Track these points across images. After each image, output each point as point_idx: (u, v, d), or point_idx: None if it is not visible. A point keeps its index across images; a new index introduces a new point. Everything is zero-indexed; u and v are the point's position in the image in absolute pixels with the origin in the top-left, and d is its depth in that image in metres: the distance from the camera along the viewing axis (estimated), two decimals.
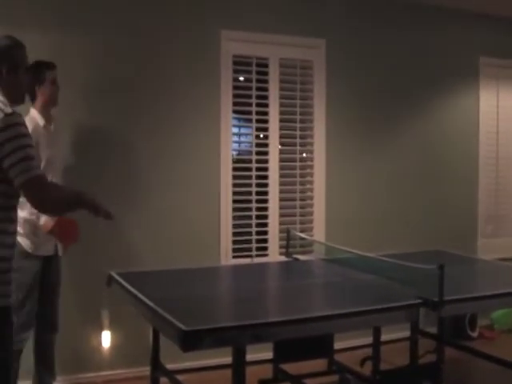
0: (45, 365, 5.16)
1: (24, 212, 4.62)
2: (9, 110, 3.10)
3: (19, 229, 4.57)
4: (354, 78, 6.84)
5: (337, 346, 4.61)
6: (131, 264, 5.10)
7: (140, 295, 3.72)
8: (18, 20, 5.39)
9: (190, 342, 2.90)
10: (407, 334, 4.28)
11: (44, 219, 4.77)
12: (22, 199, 3.49)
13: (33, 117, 4.90)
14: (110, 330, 5.77)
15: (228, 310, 3.75)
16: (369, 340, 5.22)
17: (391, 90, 7.06)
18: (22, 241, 4.75)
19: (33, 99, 4.97)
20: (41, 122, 4.91)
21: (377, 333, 5.02)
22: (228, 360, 3.40)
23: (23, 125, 3.14)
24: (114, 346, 5.80)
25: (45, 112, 5.00)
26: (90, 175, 5.70)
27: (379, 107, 6.97)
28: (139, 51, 5.91)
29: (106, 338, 5.76)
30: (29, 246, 4.83)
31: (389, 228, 6.90)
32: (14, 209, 3.27)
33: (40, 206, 3.26)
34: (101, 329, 5.76)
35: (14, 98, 3.29)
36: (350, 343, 5.50)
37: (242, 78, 6.43)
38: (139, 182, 5.93)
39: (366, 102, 6.90)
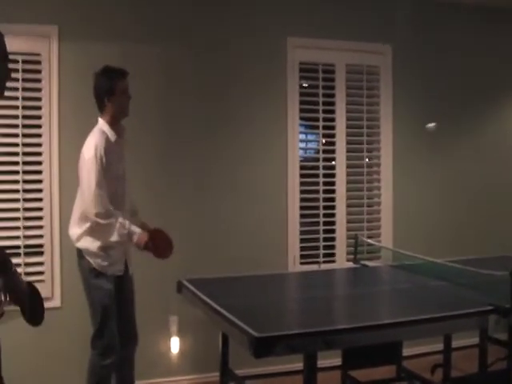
0: (125, 380, 4.97)
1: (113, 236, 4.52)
2: None
3: (91, 249, 4.62)
4: (420, 84, 6.79)
5: (405, 352, 4.59)
6: (200, 271, 5.14)
7: (210, 301, 3.75)
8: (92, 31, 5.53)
9: (262, 348, 2.93)
10: (476, 340, 4.24)
11: (137, 236, 4.54)
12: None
13: (103, 131, 4.65)
14: (178, 336, 5.85)
15: (298, 317, 3.76)
16: (436, 347, 5.17)
17: (458, 97, 6.97)
18: (93, 261, 4.64)
19: (101, 109, 4.69)
20: (112, 137, 4.64)
21: (448, 340, 4.96)
22: (296, 366, 3.42)
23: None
24: (182, 352, 5.87)
25: (115, 124, 4.71)
26: (163, 183, 5.82)
27: (445, 114, 6.88)
28: (205, 59, 5.97)
29: (175, 344, 5.83)
30: (100, 266, 4.64)
31: (457, 233, 6.82)
32: None
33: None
34: (170, 335, 5.83)
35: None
36: (418, 350, 5.47)
37: (305, 85, 6.45)
38: (209, 190, 5.99)
39: (432, 107, 6.82)
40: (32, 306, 2.94)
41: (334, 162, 6.49)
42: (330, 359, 4.47)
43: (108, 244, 4.58)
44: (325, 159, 6.45)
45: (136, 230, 4.54)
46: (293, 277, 5.43)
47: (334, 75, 6.48)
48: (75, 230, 4.71)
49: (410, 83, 6.74)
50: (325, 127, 6.42)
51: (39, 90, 5.51)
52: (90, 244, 4.63)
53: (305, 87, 6.43)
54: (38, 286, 5.21)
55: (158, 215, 5.78)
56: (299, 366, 3.36)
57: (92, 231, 4.61)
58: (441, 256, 4.87)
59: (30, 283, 3.01)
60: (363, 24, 6.52)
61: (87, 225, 4.61)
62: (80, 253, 4.70)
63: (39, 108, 5.51)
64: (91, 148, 4.52)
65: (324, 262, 6.35)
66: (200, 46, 5.96)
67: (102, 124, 4.68)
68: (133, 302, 4.97)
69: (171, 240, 4.72)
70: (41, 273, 5.50)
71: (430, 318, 3.49)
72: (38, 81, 5.51)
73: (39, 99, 5.51)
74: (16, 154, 5.42)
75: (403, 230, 6.63)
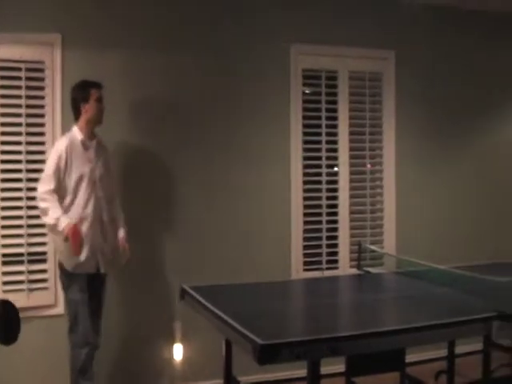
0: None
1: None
2: None
3: (61, 249, 4.91)
4: (423, 91, 6.80)
5: (409, 358, 4.57)
6: (204, 278, 5.14)
7: (214, 308, 3.76)
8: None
9: (267, 355, 2.92)
10: (480, 346, 4.24)
11: (63, 225, 4.74)
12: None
13: (73, 134, 5.03)
14: (182, 342, 5.84)
15: (302, 324, 3.76)
16: (440, 353, 5.17)
17: (461, 105, 6.98)
18: (64, 261, 4.95)
19: (77, 117, 5.08)
20: (79, 136, 5.00)
21: (451, 346, 4.96)
22: (300, 373, 3.42)
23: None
24: (186, 359, 5.86)
25: (87, 129, 5.06)
26: (165, 189, 5.85)
27: (448, 121, 6.90)
28: (208, 69, 6.00)
29: (179, 351, 5.83)
30: (69, 266, 4.93)
31: (460, 240, 6.82)
32: None
33: None
34: (173, 341, 5.83)
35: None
36: (422, 356, 5.46)
37: (307, 91, 6.45)
38: (213, 197, 6.01)
39: (435, 114, 6.84)
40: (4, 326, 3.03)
41: (336, 169, 6.49)
42: (333, 366, 4.46)
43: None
44: (328, 166, 6.45)
45: (65, 220, 4.74)
46: (296, 284, 5.42)
47: (337, 82, 6.49)
48: None
49: (412, 90, 6.74)
50: (328, 134, 6.43)
51: (42, 97, 5.52)
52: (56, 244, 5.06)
53: (307, 93, 6.44)
54: (41, 293, 5.32)
55: (161, 222, 5.81)
56: (303, 372, 3.36)
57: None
58: (444, 262, 4.86)
59: (4, 302, 3.08)
60: (366, 30, 6.53)
61: None
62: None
63: (42, 116, 5.52)
64: (56, 144, 5.10)
65: (327, 268, 6.36)
66: (203, 53, 5.97)
67: (73, 130, 5.08)
68: (100, 300, 5.17)
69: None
70: (44, 280, 5.50)
71: (434, 325, 3.49)
72: (42, 89, 5.52)
73: (42, 107, 5.52)
74: (19, 161, 5.44)
75: (406, 236, 6.63)
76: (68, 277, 4.97)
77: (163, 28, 5.85)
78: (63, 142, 4.97)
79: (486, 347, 4.40)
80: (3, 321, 3.02)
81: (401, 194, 6.68)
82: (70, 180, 4.88)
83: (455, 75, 6.94)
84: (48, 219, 4.79)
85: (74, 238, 4.71)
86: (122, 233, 5.24)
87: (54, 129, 5.52)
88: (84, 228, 4.89)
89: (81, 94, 5.05)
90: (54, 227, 4.79)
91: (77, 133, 5.03)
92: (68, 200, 4.89)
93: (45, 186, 4.80)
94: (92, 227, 4.98)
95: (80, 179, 4.91)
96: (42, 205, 4.81)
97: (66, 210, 4.85)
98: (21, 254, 5.43)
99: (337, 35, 6.42)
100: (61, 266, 5.02)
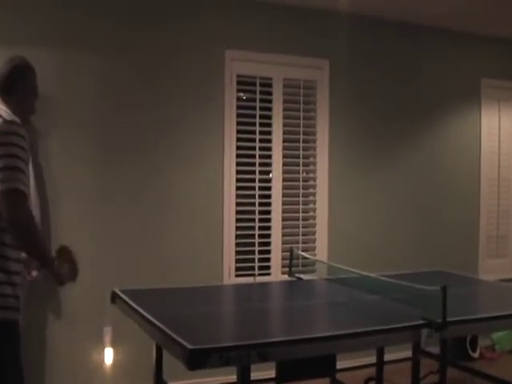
0: None
1: None
2: (10, 117, 3.11)
3: None
4: (356, 99, 6.89)
5: (339, 365, 4.60)
6: (134, 282, 5.11)
7: (144, 313, 3.72)
8: (23, 37, 5.46)
9: (196, 360, 2.90)
10: (408, 354, 4.29)
11: None
12: None
13: None
14: (112, 346, 5.80)
15: (232, 329, 3.75)
16: (370, 359, 5.23)
17: (394, 112, 7.11)
18: None
19: None
20: None
21: (380, 353, 5.01)
22: (231, 378, 3.40)
23: (21, 136, 3.11)
24: (116, 363, 5.82)
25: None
26: (97, 195, 5.80)
27: (381, 128, 7.02)
28: (142, 70, 5.97)
29: (109, 355, 5.78)
30: None
31: (391, 248, 6.92)
32: None
33: (10, 222, 3.11)
34: (103, 346, 5.78)
35: (20, 118, 3.28)
36: (352, 363, 5.51)
37: (242, 94, 6.46)
38: (144, 201, 5.97)
39: (368, 122, 6.94)
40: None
41: (270, 175, 6.51)
42: (263, 371, 4.47)
43: None
44: (261, 172, 6.47)
45: None
46: (228, 289, 5.41)
47: (272, 89, 6.52)
48: None
49: (346, 98, 6.83)
50: (261, 140, 6.45)
51: None
52: None
53: (243, 99, 6.45)
54: None
55: (93, 226, 5.75)
56: (233, 378, 3.35)
57: None
58: (376, 270, 4.89)
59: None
60: (301, 38, 6.60)
61: None
62: None
63: None
64: None
65: (259, 274, 6.38)
66: (137, 58, 5.93)
67: None
68: None
69: None
70: None
71: (364, 332, 3.50)
72: None
73: None
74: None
75: (338, 243, 6.70)
76: None
77: (96, 31, 5.79)
78: None
79: (415, 354, 4.44)
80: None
81: (334, 201, 6.74)
82: None
83: (387, 83, 7.07)
84: None
85: None
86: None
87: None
88: None
89: None
90: None
91: None
92: None
93: None
94: None
95: None
96: None
97: None
98: None
99: (272, 42, 6.46)
100: None
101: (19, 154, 3.06)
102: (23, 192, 3.05)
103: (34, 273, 4.90)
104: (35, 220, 3.27)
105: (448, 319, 3.60)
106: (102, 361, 5.79)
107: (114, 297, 4.36)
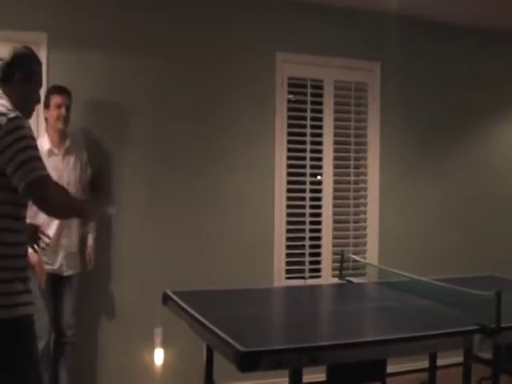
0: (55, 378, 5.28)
1: None
2: (12, 114, 3.06)
3: None
4: (407, 102, 6.84)
5: (390, 369, 4.57)
6: (185, 283, 5.11)
7: (196, 314, 3.73)
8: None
9: (248, 362, 2.91)
10: (460, 359, 4.24)
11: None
12: None
13: (40, 141, 4.97)
14: (162, 347, 5.83)
15: (283, 332, 3.74)
16: (421, 364, 5.17)
17: (447, 115, 7.03)
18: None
19: (46, 122, 5.23)
20: (45, 146, 5.07)
21: (433, 358, 4.96)
22: (281, 381, 3.40)
23: (26, 127, 3.09)
24: (166, 364, 5.85)
25: (53, 136, 5.18)
26: (148, 198, 5.87)
27: (434, 131, 6.95)
28: (194, 72, 6.01)
29: (159, 356, 5.81)
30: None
31: (443, 252, 6.85)
32: (24, 218, 3.24)
33: (44, 207, 3.14)
34: (154, 346, 5.81)
35: (21, 109, 3.21)
36: (403, 367, 5.47)
37: (291, 97, 6.46)
38: (196, 204, 6.02)
39: (420, 125, 6.88)
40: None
41: (319, 177, 6.51)
42: (314, 375, 4.46)
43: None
44: (312, 174, 6.45)
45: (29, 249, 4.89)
46: (278, 291, 5.40)
47: (323, 91, 6.50)
48: None
49: (397, 100, 6.78)
50: (312, 142, 6.44)
51: None
52: None
53: (293, 101, 6.44)
54: None
55: (145, 229, 5.79)
56: (284, 380, 3.35)
57: None
58: (427, 274, 4.85)
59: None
60: (352, 41, 6.58)
61: None
62: None
63: None
64: None
65: (309, 277, 6.36)
66: (189, 60, 5.99)
67: (44, 136, 5.22)
68: (65, 303, 5.28)
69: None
70: None
71: (415, 337, 3.48)
72: None
73: None
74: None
75: (389, 246, 6.65)
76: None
77: (148, 32, 5.86)
78: None
79: (466, 360, 4.38)
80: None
81: (384, 204, 6.70)
82: None
83: (439, 86, 6.98)
84: None
85: (39, 270, 4.93)
86: (90, 241, 5.40)
87: (37, 131, 5.52)
88: (50, 232, 4.89)
89: (45, 100, 5.11)
90: None
91: (44, 141, 5.13)
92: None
93: None
94: (59, 233, 5.10)
95: None
96: None
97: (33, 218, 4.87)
98: None
99: (323, 45, 6.45)
100: None
101: (30, 143, 3.05)
102: (42, 176, 3.05)
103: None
104: (62, 193, 3.32)
105: (502, 325, 3.56)
106: (153, 361, 5.83)
107: (166, 298, 4.38)
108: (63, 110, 5.16)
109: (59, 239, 5.12)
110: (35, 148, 3.08)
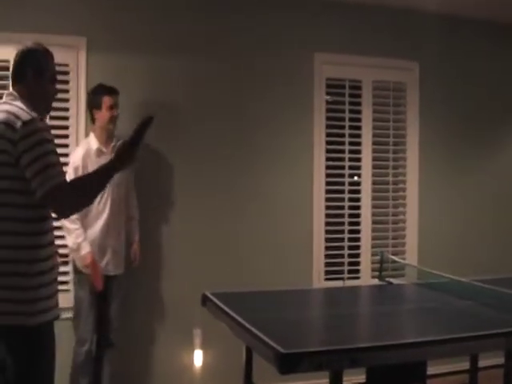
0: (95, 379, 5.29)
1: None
2: (27, 116, 3.00)
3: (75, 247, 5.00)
4: (446, 101, 6.78)
5: (430, 370, 4.54)
6: (224, 284, 5.12)
7: (236, 315, 3.75)
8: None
9: (288, 364, 2.91)
10: (500, 360, 4.20)
11: (83, 252, 4.98)
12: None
13: (88, 140, 5.20)
14: (202, 348, 5.85)
15: (323, 334, 3.73)
16: (462, 365, 5.13)
17: (486, 115, 6.96)
18: (76, 258, 5.08)
19: (93, 122, 5.25)
20: (94, 145, 5.13)
21: (474, 359, 4.91)
22: (321, 382, 3.40)
23: (43, 130, 3.03)
24: (205, 365, 5.87)
25: (102, 136, 5.19)
26: (187, 198, 5.89)
27: (473, 132, 6.89)
28: (233, 73, 6.03)
29: (199, 357, 5.83)
30: (78, 264, 5.07)
31: (482, 252, 6.78)
32: (45, 220, 3.15)
33: (60, 216, 3.23)
34: (193, 348, 5.83)
35: (37, 106, 3.18)
36: (443, 368, 5.43)
37: (328, 98, 6.44)
38: (235, 205, 6.05)
39: (459, 125, 6.82)
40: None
41: (356, 178, 6.50)
42: (353, 376, 4.45)
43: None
44: (350, 175, 6.44)
45: (86, 248, 4.97)
46: (317, 293, 5.39)
47: (361, 91, 6.49)
48: None
49: (436, 100, 6.73)
50: (351, 143, 6.43)
51: (67, 100, 5.57)
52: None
53: (331, 102, 6.42)
54: (62, 295, 5.33)
55: (183, 230, 5.81)
56: (323, 382, 3.35)
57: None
58: (466, 274, 4.82)
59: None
60: (390, 40, 6.53)
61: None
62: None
63: (66, 118, 5.61)
64: (71, 155, 5.21)
65: (348, 278, 6.35)
66: (226, 60, 6.01)
67: (90, 137, 5.25)
68: (112, 304, 5.29)
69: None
70: (65, 282, 5.50)
71: (455, 338, 3.46)
72: (66, 91, 5.55)
73: (67, 110, 5.58)
74: None
75: (428, 247, 6.61)
76: (77, 274, 5.13)
77: (185, 33, 5.90)
78: (78, 154, 5.09)
79: (507, 362, 4.35)
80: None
81: (424, 204, 6.66)
82: None
83: (479, 87, 6.92)
84: (70, 241, 4.99)
85: (94, 271, 4.98)
86: (135, 240, 5.46)
87: (77, 132, 5.58)
88: (98, 232, 5.05)
89: (94, 100, 5.17)
90: (74, 251, 5.01)
91: (92, 140, 5.18)
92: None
93: None
94: (106, 232, 5.14)
95: None
96: (66, 224, 4.93)
97: (83, 218, 4.99)
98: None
99: (361, 45, 6.43)
100: (73, 262, 5.17)
101: (46, 149, 2.99)
102: (57, 186, 2.98)
103: None
104: (78, 190, 3.13)
105: None
106: (192, 362, 5.85)
107: (205, 299, 4.39)
108: (115, 111, 5.20)
109: (106, 239, 5.15)
110: (51, 153, 3.03)
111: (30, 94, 3.20)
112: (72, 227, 4.92)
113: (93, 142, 5.15)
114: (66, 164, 4.96)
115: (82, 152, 5.07)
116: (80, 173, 4.83)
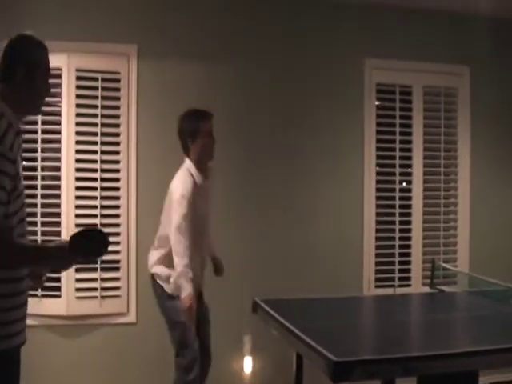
0: None
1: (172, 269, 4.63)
2: None
3: (162, 275, 4.76)
4: (498, 106, 6.69)
5: (481, 380, 4.49)
6: (274, 291, 5.13)
7: (286, 323, 3.75)
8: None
9: (341, 372, 2.90)
10: None
11: (185, 293, 4.51)
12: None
13: (190, 173, 4.70)
14: (251, 355, 5.85)
15: (374, 342, 3.72)
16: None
17: None
18: (165, 285, 4.74)
19: (186, 151, 4.77)
20: (198, 179, 4.70)
21: None
22: None
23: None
24: (255, 372, 5.87)
25: (200, 166, 4.76)
26: (241, 209, 5.93)
27: None
28: (283, 79, 6.03)
29: (248, 364, 5.83)
30: (171, 289, 4.70)
31: None
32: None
33: None
34: (243, 354, 5.84)
35: (26, 108, 2.86)
36: (495, 378, 5.37)
37: (378, 104, 6.41)
38: (285, 213, 6.05)
39: (511, 129, 6.74)
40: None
41: (404, 184, 6.45)
42: None
43: None
44: (401, 181, 6.39)
45: (189, 288, 4.49)
46: (368, 300, 5.38)
47: (411, 97, 6.43)
48: (151, 256, 4.89)
49: (487, 105, 6.64)
50: (402, 149, 6.37)
51: (118, 107, 5.62)
52: (160, 270, 4.78)
53: (381, 108, 6.39)
54: (113, 301, 5.36)
55: (234, 237, 5.81)
56: None
57: (164, 260, 4.74)
58: None
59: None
60: (440, 45, 6.47)
61: (162, 253, 4.76)
62: (153, 277, 4.85)
63: (117, 126, 5.64)
64: (179, 189, 4.61)
65: (399, 285, 6.30)
66: (277, 66, 6.01)
67: (189, 165, 4.75)
68: (208, 322, 5.05)
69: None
70: (117, 288, 5.58)
71: (508, 348, 3.42)
72: (117, 99, 5.61)
73: (117, 117, 5.62)
74: (95, 170, 5.54)
75: (480, 254, 6.52)
76: (170, 299, 4.73)
77: (236, 39, 5.94)
78: (188, 184, 4.66)
79: None
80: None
81: (475, 211, 6.58)
82: (192, 223, 4.61)
83: None
84: (179, 267, 4.53)
85: (189, 314, 4.54)
86: (215, 253, 5.14)
87: (128, 139, 5.63)
88: (196, 269, 4.73)
89: (188, 128, 4.73)
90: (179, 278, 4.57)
91: (193, 171, 4.72)
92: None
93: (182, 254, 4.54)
94: (202, 266, 4.96)
95: (198, 220, 4.69)
96: (183, 247, 4.54)
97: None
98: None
99: (411, 50, 6.38)
100: (161, 287, 4.78)
101: None
102: None
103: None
104: (9, 249, 2.65)
105: None
106: (242, 369, 5.86)
107: (255, 306, 4.40)
108: (213, 137, 4.82)
109: (202, 271, 4.96)
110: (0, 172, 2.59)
111: (21, 96, 2.80)
112: (180, 269, 4.52)
113: (196, 176, 4.72)
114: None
115: (190, 182, 4.65)
116: (191, 207, 4.58)
